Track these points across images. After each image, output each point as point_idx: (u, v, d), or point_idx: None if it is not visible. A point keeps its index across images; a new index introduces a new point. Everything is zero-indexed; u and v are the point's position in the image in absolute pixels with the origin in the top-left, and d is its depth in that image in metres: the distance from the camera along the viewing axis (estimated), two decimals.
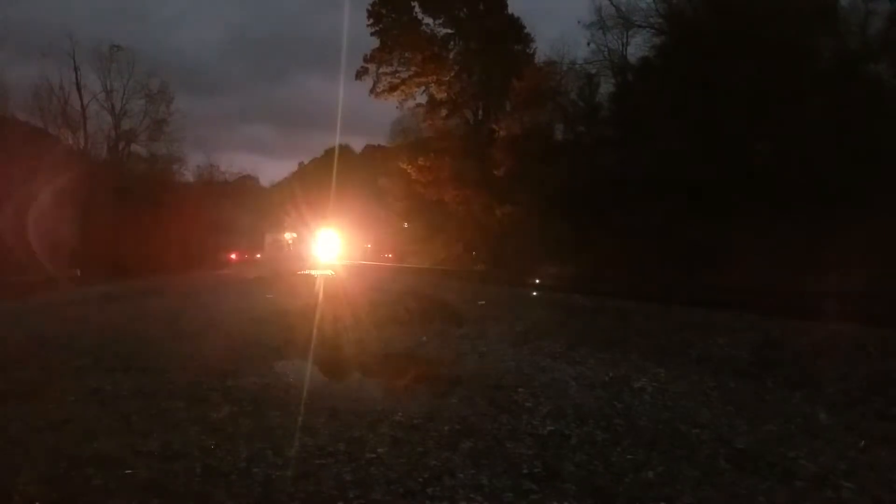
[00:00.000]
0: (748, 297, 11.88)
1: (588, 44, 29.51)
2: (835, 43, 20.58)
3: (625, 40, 28.75)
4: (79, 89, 35.53)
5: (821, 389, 5.48)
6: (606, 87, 30.23)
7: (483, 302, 13.37)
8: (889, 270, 13.42)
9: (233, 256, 52.75)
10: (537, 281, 19.43)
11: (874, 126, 16.92)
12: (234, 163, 79.37)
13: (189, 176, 47.21)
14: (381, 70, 37.95)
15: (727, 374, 6.21)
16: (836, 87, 18.51)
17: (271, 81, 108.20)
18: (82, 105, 35.75)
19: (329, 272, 29.96)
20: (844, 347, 6.33)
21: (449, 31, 37.61)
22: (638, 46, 27.84)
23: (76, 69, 35.33)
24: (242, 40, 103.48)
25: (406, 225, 43.46)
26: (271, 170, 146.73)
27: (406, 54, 37.35)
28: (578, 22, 29.56)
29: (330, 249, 43.68)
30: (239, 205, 56.32)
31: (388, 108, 41.00)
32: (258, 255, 59.50)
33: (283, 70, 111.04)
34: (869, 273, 13.74)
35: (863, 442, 4.11)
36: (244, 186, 61.73)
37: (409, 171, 36.58)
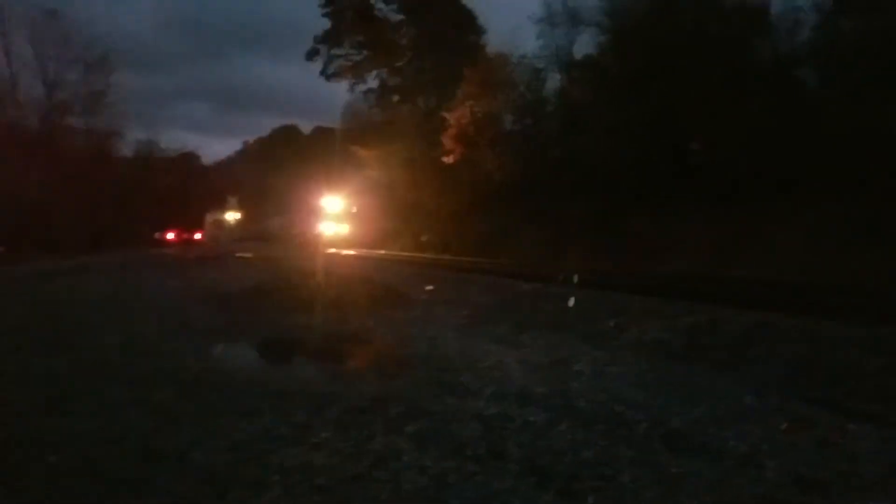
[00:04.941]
0: (685, 285, 12.34)
1: (537, 38, 29.92)
2: (770, 46, 21.49)
3: (572, 37, 29.27)
4: (8, 55, 33.62)
5: (749, 373, 5.78)
6: (553, 82, 30.86)
7: (431, 287, 13.43)
8: (820, 260, 14.21)
9: (171, 236, 50.93)
10: (484, 267, 19.62)
11: (801, 127, 17.82)
12: (174, 140, 76.56)
13: (127, 151, 45.35)
14: (332, 52, 37.36)
15: (661, 357, 6.47)
16: (772, 88, 19.37)
17: (213, 59, 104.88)
18: (11, 72, 33.83)
19: (276, 254, 29.41)
20: (773, 333, 6.65)
21: (402, 17, 37.28)
22: (584, 44, 28.46)
23: (4, 34, 33.39)
24: (183, 16, 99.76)
25: (354, 209, 43.00)
26: (214, 148, 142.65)
27: (358, 37, 36.86)
28: (528, 17, 29.88)
29: (335, 226, 38.87)
30: (179, 182, 54.42)
31: (340, 91, 40.31)
32: (198, 236, 57.74)
33: (225, 48, 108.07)
34: (802, 262, 14.51)
35: (785, 423, 4.36)
36: (185, 164, 59.66)
37: (359, 154, 36.17)
